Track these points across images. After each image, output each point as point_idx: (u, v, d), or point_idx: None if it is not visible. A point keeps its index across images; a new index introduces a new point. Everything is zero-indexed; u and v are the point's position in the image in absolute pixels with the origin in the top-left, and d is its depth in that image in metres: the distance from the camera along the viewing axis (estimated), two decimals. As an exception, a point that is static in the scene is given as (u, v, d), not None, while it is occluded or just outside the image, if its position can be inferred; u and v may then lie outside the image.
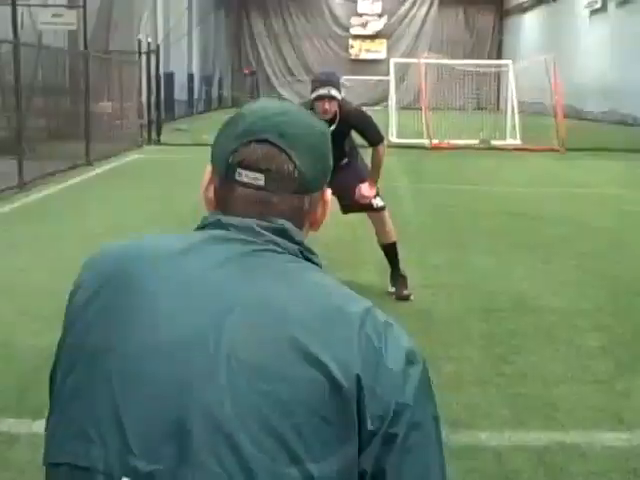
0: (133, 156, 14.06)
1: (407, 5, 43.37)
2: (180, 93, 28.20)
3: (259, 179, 1.06)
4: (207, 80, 35.03)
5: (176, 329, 0.96)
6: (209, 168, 1.13)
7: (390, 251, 5.11)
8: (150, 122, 16.84)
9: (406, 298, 4.93)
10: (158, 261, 1.03)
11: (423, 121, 16.90)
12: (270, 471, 0.89)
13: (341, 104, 4.71)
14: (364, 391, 0.92)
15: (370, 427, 0.92)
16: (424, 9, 43.29)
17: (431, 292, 5.08)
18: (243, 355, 0.93)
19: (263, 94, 42.31)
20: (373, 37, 43.42)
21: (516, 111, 17.61)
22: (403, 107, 21.18)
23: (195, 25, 30.44)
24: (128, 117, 16.07)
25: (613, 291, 5.20)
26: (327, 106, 4.59)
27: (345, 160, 4.87)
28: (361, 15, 43.31)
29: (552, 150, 15.61)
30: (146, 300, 0.99)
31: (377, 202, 5.01)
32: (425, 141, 16.27)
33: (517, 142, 16.88)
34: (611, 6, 28.66)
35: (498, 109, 21.30)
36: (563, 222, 7.87)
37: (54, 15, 13.82)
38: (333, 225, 6.83)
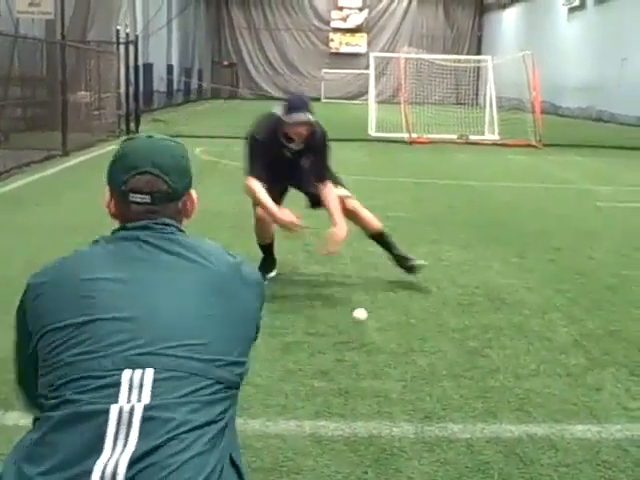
0: (110, 147, 13.94)
1: (387, -1, 43.40)
2: (159, 84, 28.06)
3: (146, 199, 1.66)
4: (186, 71, 34.85)
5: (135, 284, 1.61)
6: (107, 189, 1.72)
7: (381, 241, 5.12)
8: (128, 113, 16.74)
9: (420, 267, 5.01)
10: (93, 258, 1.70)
11: (402, 115, 16.94)
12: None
13: (312, 125, 4.64)
14: None
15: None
16: (404, 3, 43.35)
17: (407, 286, 5.10)
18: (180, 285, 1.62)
19: (243, 86, 42.19)
20: (353, 31, 43.41)
21: (494, 106, 17.71)
22: (382, 101, 21.25)
23: (174, 16, 30.23)
24: (106, 108, 15.95)
25: (586, 286, 5.25)
26: (303, 131, 4.56)
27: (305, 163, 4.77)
28: (341, 9, 43.27)
29: (529, 145, 15.72)
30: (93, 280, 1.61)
31: (341, 191, 4.89)
32: (404, 135, 16.31)
33: (495, 137, 16.99)
34: (589, 3, 28.88)
35: (477, 104, 21.42)
36: (539, 217, 7.94)
37: (31, 4, 13.66)
38: (311, 218, 6.82)
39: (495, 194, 9.51)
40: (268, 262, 5.11)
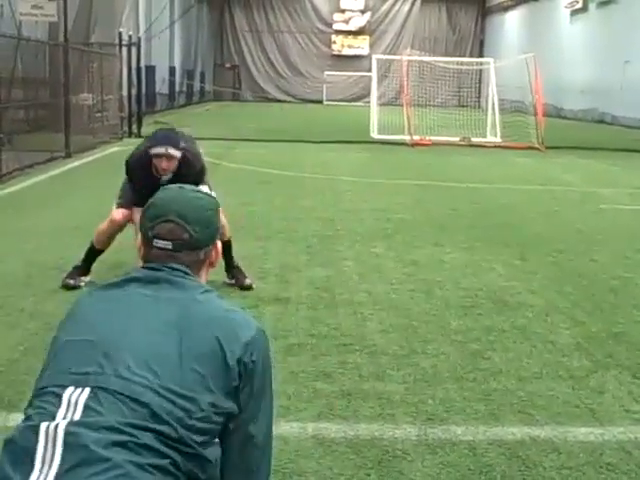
0: (113, 149, 13.98)
1: (390, 2, 43.41)
2: (161, 86, 28.09)
3: (168, 245, 1.78)
4: (189, 73, 34.88)
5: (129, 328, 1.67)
6: (140, 235, 1.83)
7: (226, 248, 5.01)
8: (130, 115, 16.76)
9: (249, 287, 4.96)
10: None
11: (404, 117, 16.94)
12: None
13: (183, 155, 4.72)
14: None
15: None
16: (407, 6, 43.37)
17: (410, 288, 5.10)
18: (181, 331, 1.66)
19: (245, 88, 42.24)
20: (356, 33, 43.43)
21: (497, 109, 17.71)
22: (384, 103, 21.24)
23: (177, 18, 30.27)
24: (109, 110, 15.98)
25: (588, 289, 5.25)
26: (164, 165, 4.67)
27: None
28: (344, 11, 43.29)
29: (531, 148, 15.71)
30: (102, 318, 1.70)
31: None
32: (406, 137, 16.31)
33: (497, 139, 16.99)
34: (592, 6, 28.88)
35: (479, 107, 21.43)
36: (541, 219, 7.93)
37: (34, 6, 13.68)
38: (314, 221, 6.81)
39: (497, 196, 9.51)
40: (86, 267, 5.04)
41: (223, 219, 4.89)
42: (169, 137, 4.79)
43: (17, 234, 6.46)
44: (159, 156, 4.68)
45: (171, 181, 4.73)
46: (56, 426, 1.49)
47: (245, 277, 5.05)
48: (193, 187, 1.93)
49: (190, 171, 4.83)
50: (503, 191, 10.00)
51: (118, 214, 5.03)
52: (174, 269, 1.77)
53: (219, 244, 1.90)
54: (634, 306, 4.85)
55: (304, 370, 3.62)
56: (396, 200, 8.83)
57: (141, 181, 4.82)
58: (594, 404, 3.36)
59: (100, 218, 7.27)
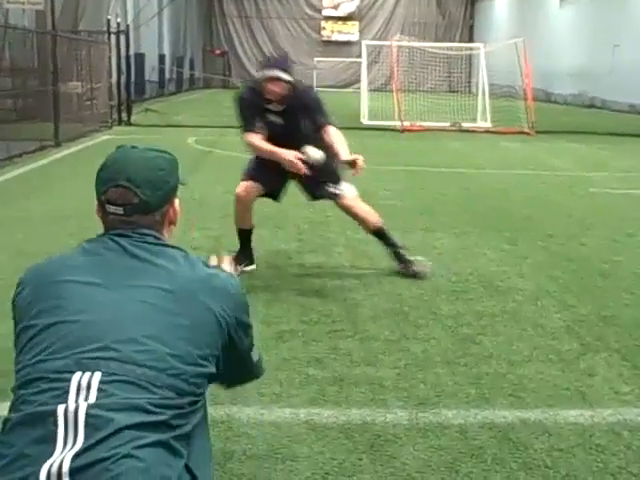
0: (103, 137, 13.93)
1: (379, -13, 43.23)
2: (151, 74, 27.94)
3: (119, 210, 1.77)
4: (178, 61, 34.68)
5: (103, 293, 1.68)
6: (96, 197, 1.82)
7: (379, 238, 5.02)
8: (120, 103, 16.68)
9: (414, 275, 4.92)
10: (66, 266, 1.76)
11: (394, 103, 16.92)
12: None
13: (293, 86, 4.63)
14: None
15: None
16: (396, -9, 43.19)
17: (400, 274, 5.11)
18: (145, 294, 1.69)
19: (235, 75, 42.04)
20: (345, 19, 43.23)
21: (487, 94, 17.70)
22: (375, 89, 21.20)
23: (165, 5, 30.06)
24: (98, 98, 15.88)
25: (578, 272, 5.28)
26: (271, 87, 4.56)
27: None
28: (333, -4, 43.08)
29: (522, 133, 15.73)
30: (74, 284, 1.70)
31: (338, 189, 4.88)
32: (396, 123, 16.29)
33: (487, 124, 16.99)
34: (581, -10, 28.84)
35: (469, 92, 21.40)
36: (531, 204, 7.95)
37: (21, -6, 13.57)
38: (304, 207, 6.78)
39: (488, 181, 9.52)
40: (247, 253, 5.03)
41: (364, 206, 4.92)
42: (281, 61, 4.63)
43: (6, 224, 6.44)
44: (268, 79, 4.52)
45: (283, 116, 4.67)
46: (76, 408, 1.51)
47: (412, 264, 4.97)
48: (148, 146, 1.89)
49: (304, 99, 4.69)
50: (493, 176, 10.02)
51: (239, 189, 4.87)
52: (144, 234, 1.77)
53: (177, 202, 1.88)
54: (623, 289, 4.88)
55: (296, 356, 3.63)
56: (386, 186, 8.83)
57: (253, 114, 4.65)
58: (584, 386, 3.39)
59: (90, 206, 7.23)
